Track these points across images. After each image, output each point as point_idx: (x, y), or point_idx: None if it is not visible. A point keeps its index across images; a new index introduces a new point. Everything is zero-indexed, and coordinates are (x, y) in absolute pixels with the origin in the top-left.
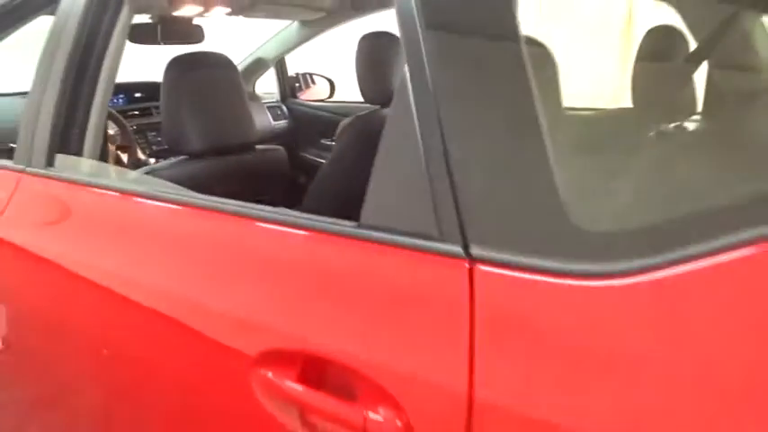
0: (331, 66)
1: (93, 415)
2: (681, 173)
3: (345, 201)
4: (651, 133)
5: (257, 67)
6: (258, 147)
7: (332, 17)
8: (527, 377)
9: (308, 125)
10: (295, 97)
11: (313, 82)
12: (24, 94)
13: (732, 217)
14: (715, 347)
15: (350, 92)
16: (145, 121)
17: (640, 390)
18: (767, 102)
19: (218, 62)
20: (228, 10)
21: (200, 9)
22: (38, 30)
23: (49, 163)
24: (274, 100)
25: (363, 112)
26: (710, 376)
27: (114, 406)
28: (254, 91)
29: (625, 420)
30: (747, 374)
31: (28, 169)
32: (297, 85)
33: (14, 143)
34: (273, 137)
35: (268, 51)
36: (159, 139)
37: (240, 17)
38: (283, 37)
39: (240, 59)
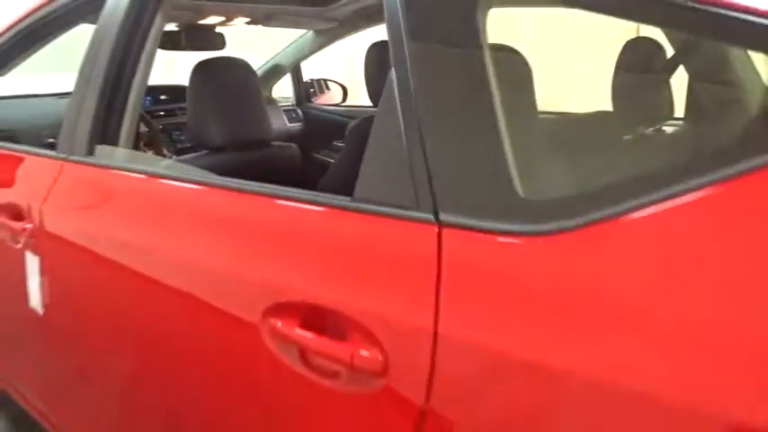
0: (345, 72)
1: (124, 375)
2: (591, 158)
3: (351, 191)
4: (573, 130)
5: (275, 72)
6: (273, 143)
7: (343, 27)
8: (479, 314)
9: (321, 127)
10: (310, 101)
11: (327, 87)
12: (61, 94)
13: (625, 189)
14: (613, 287)
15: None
16: (170, 121)
17: (561, 319)
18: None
19: (238, 66)
20: (248, 19)
21: (223, 19)
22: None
23: (90, 152)
24: (290, 103)
25: (369, 115)
26: (610, 309)
27: (150, 365)
28: (271, 95)
29: (549, 344)
30: (640, 309)
31: (70, 158)
32: (312, 90)
33: (53, 137)
34: (288, 138)
35: (285, 58)
36: (183, 137)
37: (259, 26)
38: (299, 45)
39: (258, 65)
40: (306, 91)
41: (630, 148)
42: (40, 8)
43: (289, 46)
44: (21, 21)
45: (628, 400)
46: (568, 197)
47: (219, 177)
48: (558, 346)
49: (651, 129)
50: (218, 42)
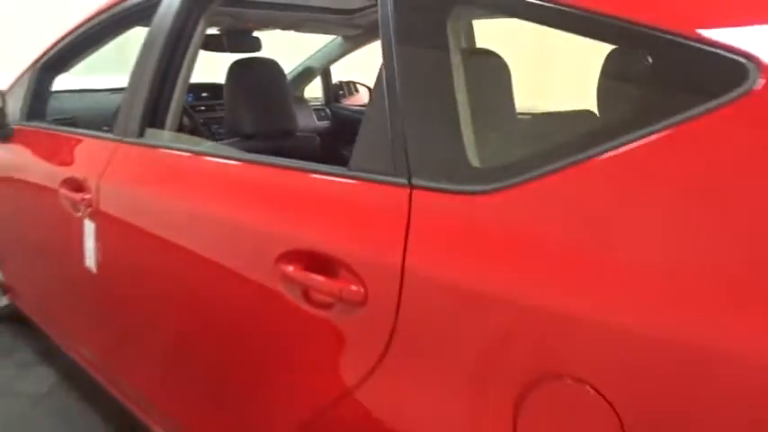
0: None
1: (165, 322)
2: (516, 139)
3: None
4: (512, 115)
5: (306, 75)
6: (297, 134)
7: (366, 35)
8: (437, 253)
9: (347, 126)
10: (338, 102)
11: (356, 90)
12: (110, 90)
13: (537, 160)
14: (532, 228)
15: None
16: (209, 116)
17: (497, 254)
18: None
19: (268, 65)
20: (282, 25)
21: (259, 24)
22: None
23: (141, 134)
24: (319, 103)
25: None
26: (530, 245)
27: (187, 313)
28: (302, 95)
29: (488, 275)
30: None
31: (124, 139)
32: (341, 92)
33: (105, 124)
34: (317, 134)
35: (315, 62)
36: (221, 130)
37: (291, 32)
38: (328, 50)
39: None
40: (335, 92)
41: (542, 133)
42: (100, 13)
43: (319, 51)
44: (83, 24)
45: (552, 320)
46: (502, 166)
47: (246, 154)
48: (494, 276)
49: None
50: (255, 45)
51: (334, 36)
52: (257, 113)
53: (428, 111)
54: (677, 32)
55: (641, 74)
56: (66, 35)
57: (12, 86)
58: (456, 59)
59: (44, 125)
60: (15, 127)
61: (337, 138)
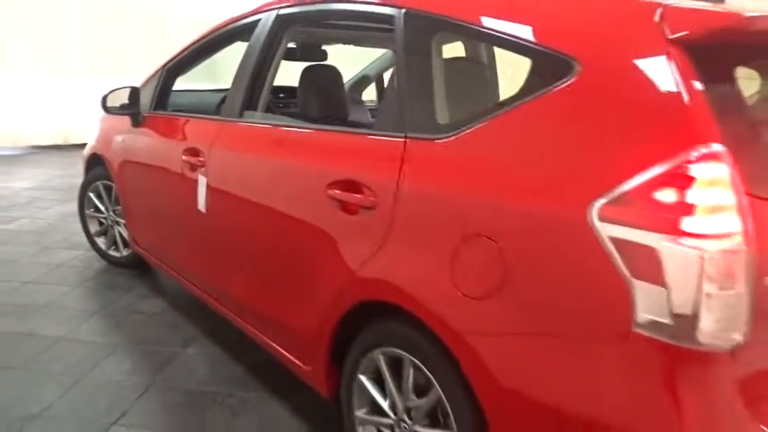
0: None
1: (252, 246)
2: (463, 107)
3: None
4: (464, 96)
5: (364, 81)
6: (348, 120)
7: None
8: (419, 176)
9: None
10: None
11: None
12: (212, 90)
13: (473, 119)
14: (467, 157)
15: None
16: (285, 111)
17: (451, 172)
18: None
19: (330, 70)
20: (344, 41)
21: (326, 40)
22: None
23: (241, 115)
24: (374, 105)
25: None
26: (465, 168)
27: (267, 236)
28: (361, 97)
29: (447, 185)
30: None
31: (229, 119)
32: None
33: (211, 113)
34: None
35: (371, 71)
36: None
37: (351, 46)
38: (381, 61)
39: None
40: None
41: (473, 107)
42: (211, 32)
43: (373, 62)
44: (199, 39)
45: (475, 207)
46: (453, 124)
47: (309, 124)
48: (447, 185)
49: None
50: (322, 55)
51: (385, 50)
52: (321, 104)
53: (416, 96)
54: (534, 42)
55: (515, 68)
56: (187, 47)
57: (142, 85)
58: (436, 64)
59: (168, 113)
60: (146, 114)
61: None
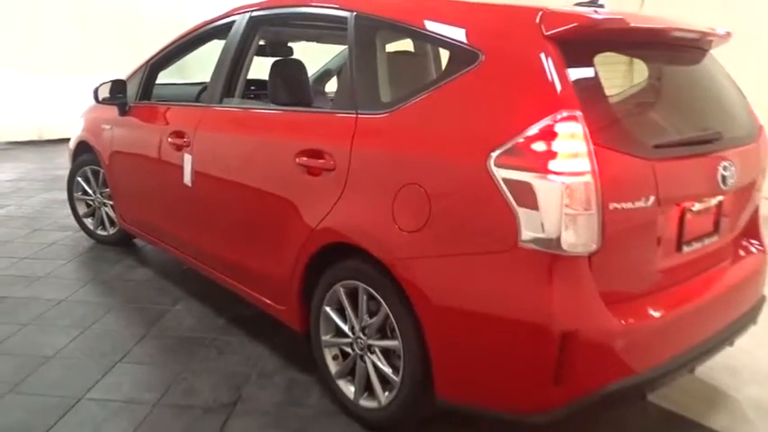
0: None
1: (230, 213)
2: (399, 89)
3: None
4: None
5: (326, 74)
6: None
7: None
8: (365, 141)
9: None
10: None
11: None
12: (189, 84)
13: (404, 98)
14: (402, 128)
15: None
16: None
17: (388, 140)
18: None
19: (295, 64)
20: (307, 38)
21: (291, 38)
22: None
23: (220, 101)
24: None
25: None
26: (399, 135)
27: (241, 200)
28: (324, 89)
29: (387, 149)
30: (408, 133)
31: (210, 105)
32: None
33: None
34: None
35: (333, 65)
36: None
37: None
38: (342, 56)
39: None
40: None
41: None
42: (191, 31)
43: (335, 57)
44: (180, 38)
45: (406, 162)
46: (391, 102)
47: (278, 107)
48: (386, 148)
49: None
50: (288, 51)
51: (344, 46)
52: (288, 91)
53: (364, 81)
54: (451, 38)
55: (436, 58)
56: (168, 45)
57: (128, 78)
58: (380, 56)
59: (153, 102)
60: (132, 105)
61: None
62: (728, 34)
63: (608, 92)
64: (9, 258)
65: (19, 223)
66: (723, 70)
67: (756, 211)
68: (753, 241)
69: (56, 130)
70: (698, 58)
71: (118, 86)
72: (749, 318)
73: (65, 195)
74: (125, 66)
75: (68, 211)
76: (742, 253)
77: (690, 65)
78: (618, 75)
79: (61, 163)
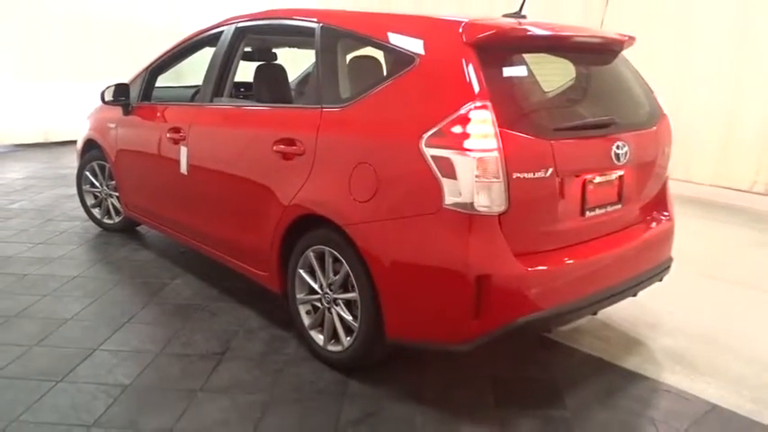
0: None
1: (221, 199)
2: (357, 86)
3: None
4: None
5: (307, 77)
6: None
7: None
8: (328, 130)
9: None
10: None
11: None
12: (184, 87)
13: (359, 94)
14: (358, 119)
15: None
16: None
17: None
18: None
19: (276, 68)
20: (289, 45)
21: (275, 45)
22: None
23: (211, 101)
24: None
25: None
26: (358, 125)
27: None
28: (305, 90)
29: (344, 138)
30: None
31: (202, 104)
32: None
33: (188, 101)
34: None
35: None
36: None
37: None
38: None
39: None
40: None
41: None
42: (186, 40)
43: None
44: (176, 46)
45: (362, 146)
46: (348, 97)
47: (259, 104)
48: (344, 137)
49: None
50: (272, 57)
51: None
52: (270, 90)
53: (328, 81)
54: (393, 45)
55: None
56: (166, 52)
57: (130, 82)
58: (341, 60)
59: (153, 103)
60: (134, 105)
61: None
62: (632, 38)
63: (530, 86)
64: (26, 243)
65: (32, 215)
66: (632, 68)
67: (664, 186)
68: (662, 211)
69: (61, 132)
70: (608, 58)
71: (121, 89)
72: (653, 274)
73: (72, 191)
74: (124, 71)
75: (76, 204)
76: (651, 221)
77: (600, 64)
78: (555, 71)
79: (66, 163)
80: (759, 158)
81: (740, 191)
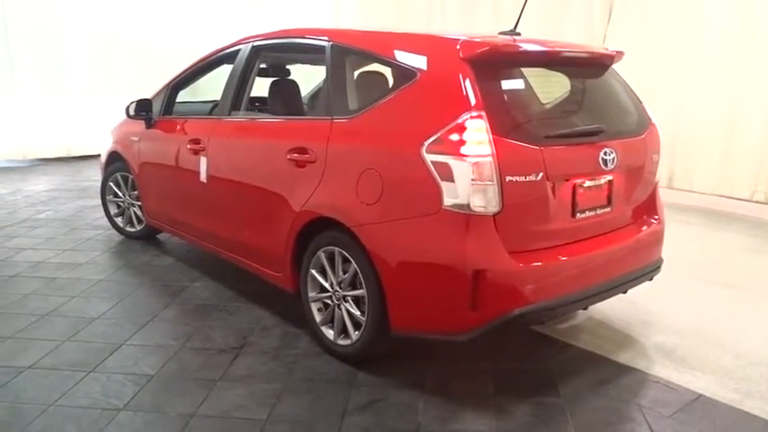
0: None
1: (238, 207)
2: (363, 99)
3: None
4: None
5: (320, 91)
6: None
7: None
8: (338, 141)
9: None
10: None
11: None
12: (203, 102)
13: (363, 103)
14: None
15: None
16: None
17: (350, 137)
18: None
19: (289, 83)
20: (302, 62)
21: (289, 61)
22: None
23: (229, 114)
24: None
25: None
26: (360, 133)
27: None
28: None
29: (352, 146)
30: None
31: (221, 117)
32: None
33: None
34: None
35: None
36: None
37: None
38: None
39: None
40: None
41: (368, 97)
42: (205, 58)
43: None
44: (196, 64)
45: (366, 154)
46: (356, 109)
47: (273, 116)
48: (352, 146)
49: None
50: (286, 73)
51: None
52: (283, 104)
53: (337, 94)
54: (397, 61)
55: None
56: (186, 70)
57: (153, 97)
58: (349, 75)
59: (174, 116)
60: (156, 119)
61: None
62: (620, 53)
63: (523, 97)
64: (54, 250)
65: (58, 224)
66: (621, 81)
67: (654, 190)
68: (652, 215)
69: (83, 147)
70: (599, 71)
71: (144, 104)
72: (642, 274)
73: (94, 202)
74: (143, 88)
75: (99, 214)
76: (641, 224)
77: (591, 77)
78: (555, 85)
79: (89, 176)
80: (759, 168)
81: (741, 200)
